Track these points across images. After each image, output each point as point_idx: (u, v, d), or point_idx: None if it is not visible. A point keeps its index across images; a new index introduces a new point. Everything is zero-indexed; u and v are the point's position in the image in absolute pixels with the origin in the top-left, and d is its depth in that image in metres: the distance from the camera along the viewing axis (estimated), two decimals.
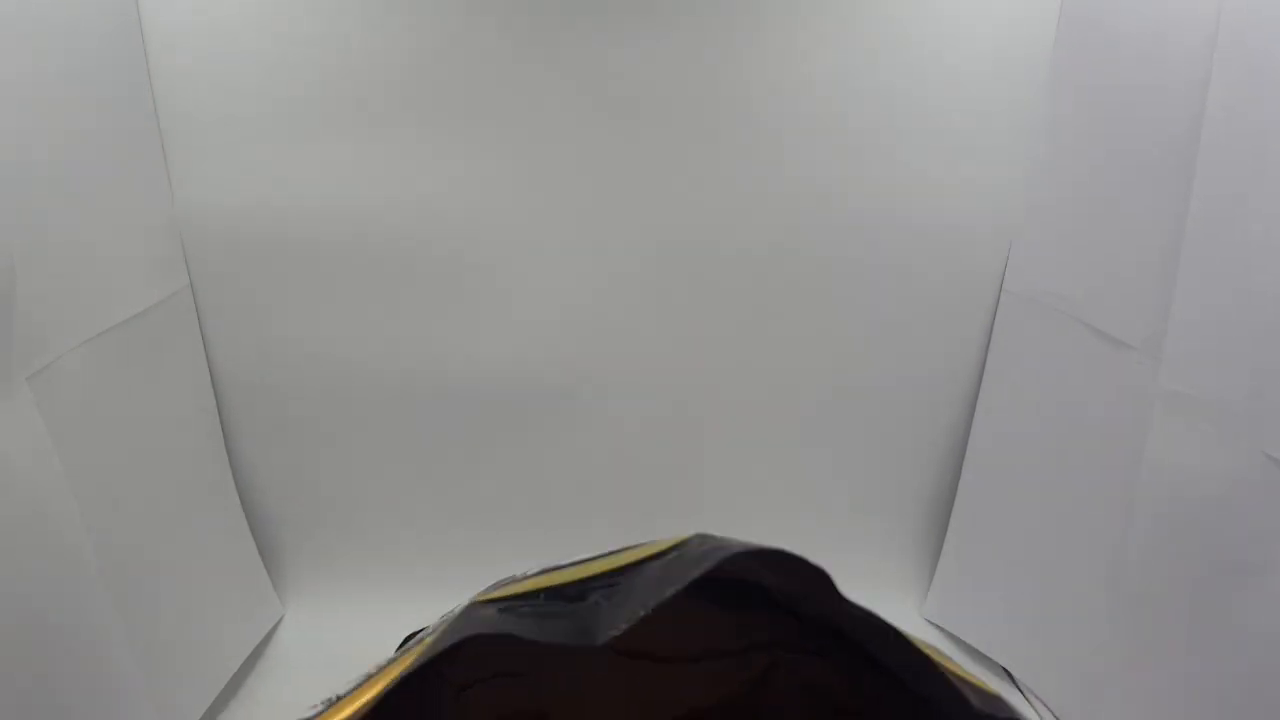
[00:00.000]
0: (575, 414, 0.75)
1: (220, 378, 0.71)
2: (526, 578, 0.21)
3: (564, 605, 0.19)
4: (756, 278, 0.72)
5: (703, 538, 0.20)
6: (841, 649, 0.21)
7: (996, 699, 0.20)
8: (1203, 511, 0.51)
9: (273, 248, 0.68)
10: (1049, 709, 0.64)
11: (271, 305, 0.70)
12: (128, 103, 0.61)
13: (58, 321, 0.51)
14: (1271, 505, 0.47)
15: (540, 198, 0.69)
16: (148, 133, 0.63)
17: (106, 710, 0.49)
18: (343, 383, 0.72)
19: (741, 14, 0.65)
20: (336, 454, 0.74)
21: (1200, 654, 0.50)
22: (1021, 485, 0.68)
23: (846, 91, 0.67)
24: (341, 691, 0.20)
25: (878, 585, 0.76)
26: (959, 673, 0.20)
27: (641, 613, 0.17)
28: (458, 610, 0.20)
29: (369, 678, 0.20)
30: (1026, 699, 0.67)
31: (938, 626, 0.75)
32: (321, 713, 0.20)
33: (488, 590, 0.21)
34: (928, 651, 0.20)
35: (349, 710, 0.19)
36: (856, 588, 0.21)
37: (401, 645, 0.24)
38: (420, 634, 0.24)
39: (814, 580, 0.19)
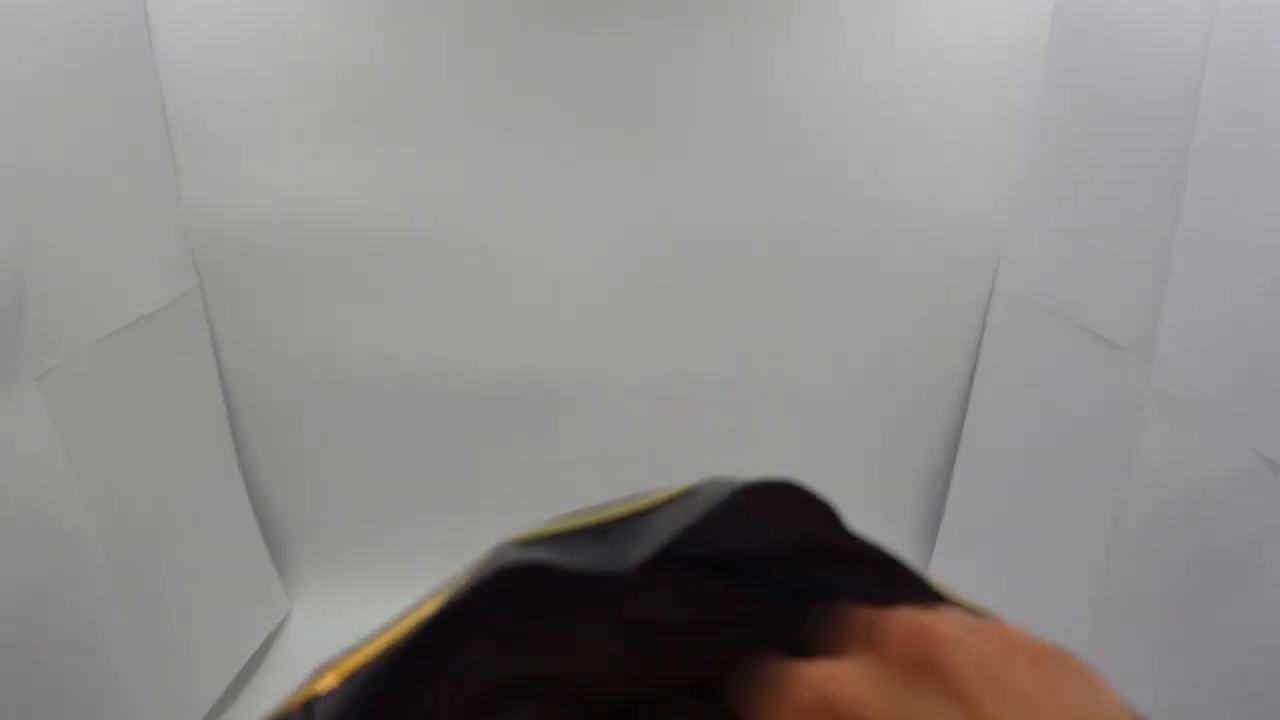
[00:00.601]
0: (578, 413, 0.75)
1: (228, 378, 0.71)
2: (545, 526, 0.22)
3: (589, 540, 0.20)
4: (753, 280, 0.72)
5: (715, 479, 0.21)
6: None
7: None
8: (1194, 511, 0.51)
9: (281, 250, 0.69)
10: None
11: (280, 307, 0.70)
12: (136, 104, 0.62)
13: (66, 322, 0.52)
14: (1263, 505, 0.47)
15: (544, 200, 0.70)
16: (156, 134, 0.64)
17: (113, 707, 0.50)
18: (350, 383, 0.73)
19: (737, 22, 0.66)
20: (343, 453, 0.75)
21: (1191, 654, 0.50)
22: (1013, 486, 0.68)
23: (840, 94, 0.68)
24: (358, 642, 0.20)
25: None
26: (970, 605, 0.21)
27: (665, 539, 0.18)
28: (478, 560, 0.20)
29: (393, 623, 0.20)
30: None
31: None
32: (345, 655, 0.20)
33: (505, 540, 0.21)
34: (937, 586, 0.21)
35: (372, 648, 0.19)
36: None
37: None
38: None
39: (821, 512, 0.20)
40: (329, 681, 0.19)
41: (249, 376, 0.72)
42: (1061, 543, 0.63)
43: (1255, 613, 0.48)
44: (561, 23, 0.65)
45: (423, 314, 0.72)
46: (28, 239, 0.48)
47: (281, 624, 0.74)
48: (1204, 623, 0.50)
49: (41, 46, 0.51)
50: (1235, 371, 0.49)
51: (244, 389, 0.72)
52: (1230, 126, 0.50)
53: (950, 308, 0.72)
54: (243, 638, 0.69)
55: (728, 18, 0.66)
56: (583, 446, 0.76)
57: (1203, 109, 0.51)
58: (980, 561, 0.72)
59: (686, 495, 0.21)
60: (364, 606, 0.74)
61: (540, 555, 0.19)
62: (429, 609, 0.19)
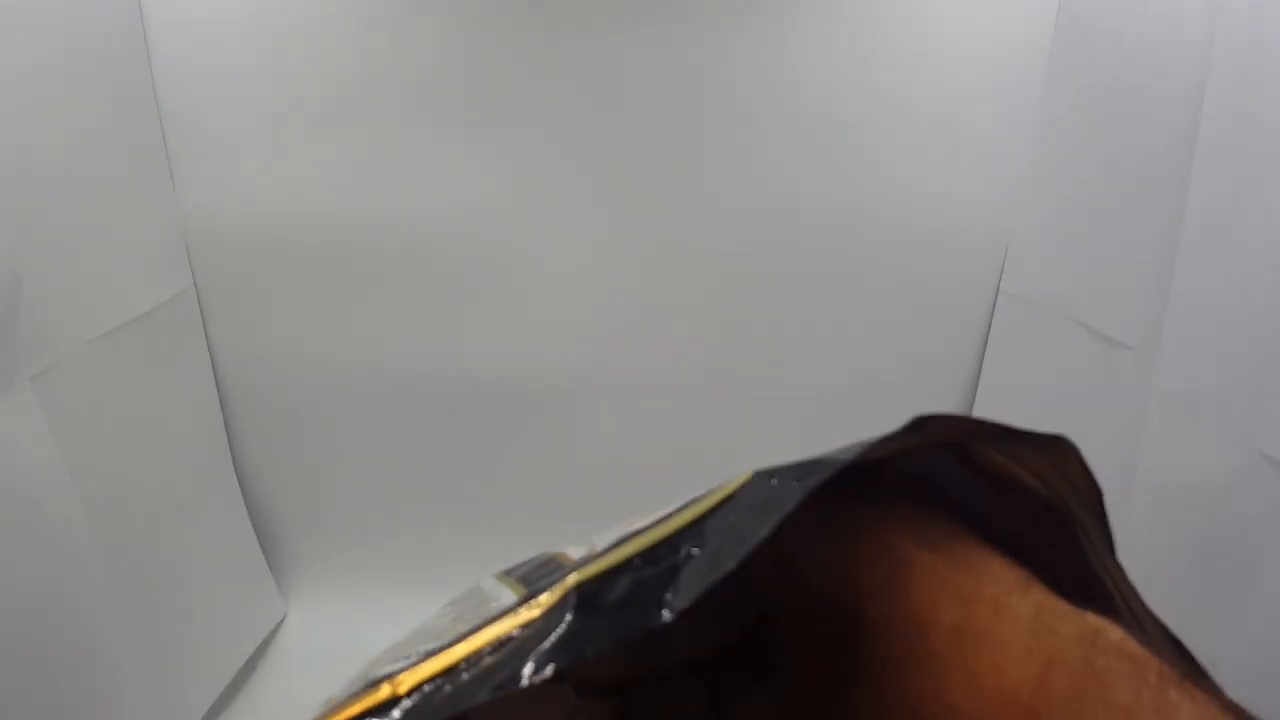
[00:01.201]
0: (577, 414, 0.75)
1: (224, 378, 0.71)
2: (606, 551, 0.21)
3: (660, 566, 0.20)
4: (754, 279, 0.72)
5: (760, 476, 0.21)
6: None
7: None
8: (1198, 510, 0.51)
9: (277, 249, 0.69)
10: None
11: (276, 306, 0.70)
12: (131, 103, 0.61)
13: (61, 322, 0.51)
14: (1267, 504, 0.47)
15: (541, 200, 0.69)
16: (151, 134, 0.64)
17: (109, 709, 0.49)
18: (346, 384, 0.72)
19: (741, 17, 0.65)
20: (340, 454, 0.75)
21: (1194, 652, 0.50)
22: None
23: (844, 94, 0.67)
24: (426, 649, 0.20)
25: None
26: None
27: (747, 550, 0.18)
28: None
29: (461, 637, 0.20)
30: None
31: None
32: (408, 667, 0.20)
33: (576, 568, 0.21)
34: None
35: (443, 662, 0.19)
36: None
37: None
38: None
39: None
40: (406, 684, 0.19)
41: (244, 376, 0.71)
42: None
43: (1259, 612, 0.47)
44: (562, 22, 0.65)
45: (420, 314, 0.71)
46: (23, 239, 0.48)
47: (278, 626, 0.74)
48: (1206, 621, 0.50)
49: (36, 45, 0.51)
50: (1240, 370, 0.49)
51: (239, 388, 0.72)
52: (1234, 126, 0.50)
53: (956, 308, 0.72)
54: (239, 640, 0.68)
55: (729, 16, 0.65)
56: (582, 449, 0.76)
57: (1206, 109, 0.51)
58: None
59: (743, 490, 0.21)
60: (361, 608, 0.74)
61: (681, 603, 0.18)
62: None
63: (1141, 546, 0.55)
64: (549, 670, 0.17)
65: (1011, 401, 0.70)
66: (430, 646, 0.20)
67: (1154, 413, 0.54)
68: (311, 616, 0.75)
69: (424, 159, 0.68)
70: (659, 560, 0.20)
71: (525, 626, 0.19)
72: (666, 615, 0.18)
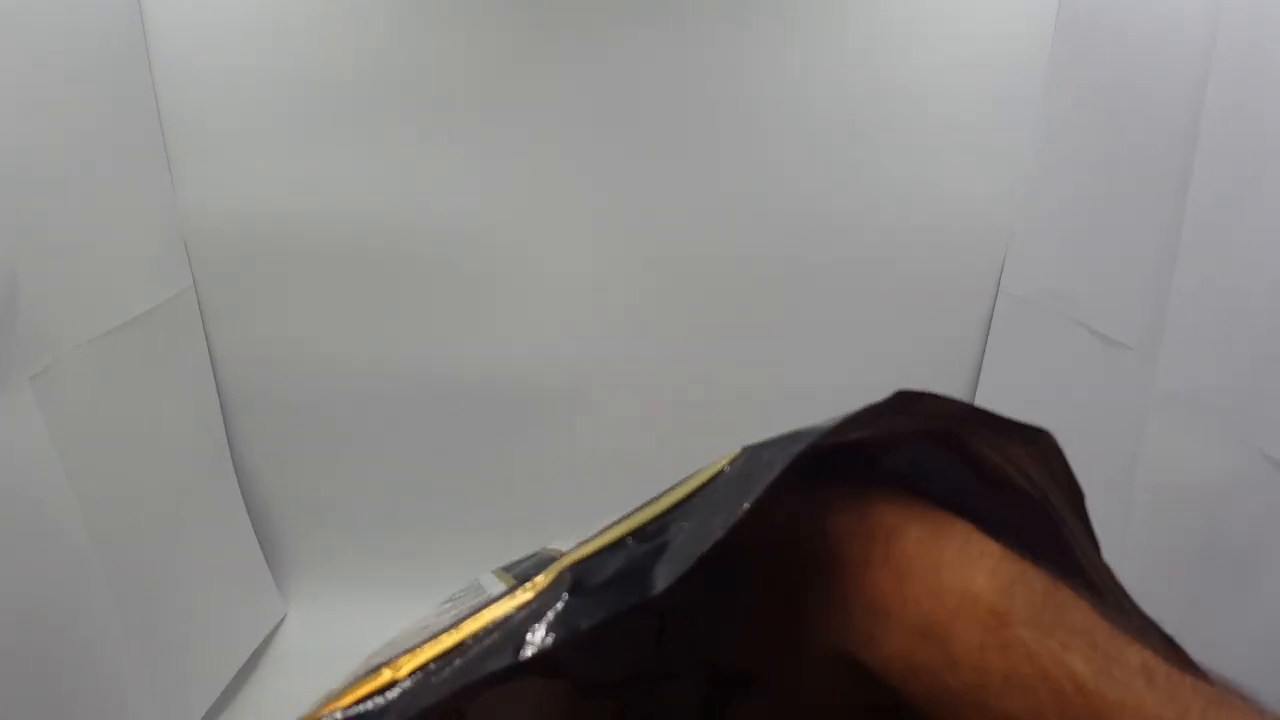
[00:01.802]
0: (576, 415, 0.75)
1: (223, 378, 0.71)
2: (598, 534, 0.21)
3: (652, 543, 0.20)
4: (755, 279, 0.72)
5: (752, 451, 0.21)
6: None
7: None
8: (1198, 510, 0.51)
9: (276, 249, 0.69)
10: None
11: (275, 306, 0.70)
12: (131, 103, 0.61)
13: (60, 322, 0.51)
14: (1267, 504, 0.47)
15: (540, 200, 0.69)
16: (151, 134, 0.64)
17: (109, 710, 0.49)
18: (346, 384, 0.72)
19: (741, 18, 0.65)
20: (339, 454, 0.75)
21: (1194, 651, 0.50)
22: None
23: (844, 94, 0.67)
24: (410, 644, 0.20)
25: None
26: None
27: (733, 519, 0.18)
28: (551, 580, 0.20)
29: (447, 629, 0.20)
30: None
31: None
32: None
33: (570, 553, 0.21)
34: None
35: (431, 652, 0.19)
36: None
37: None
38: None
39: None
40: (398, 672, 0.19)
41: (244, 376, 0.71)
42: None
43: (1259, 611, 0.47)
44: (562, 23, 0.65)
45: (420, 314, 0.71)
46: (22, 239, 0.48)
47: (278, 626, 0.74)
48: (1206, 621, 0.50)
49: (36, 45, 0.51)
50: (1240, 370, 0.49)
51: (239, 388, 0.72)
52: (1235, 126, 0.50)
53: (956, 308, 0.72)
54: (239, 640, 0.68)
55: (729, 17, 0.65)
56: (581, 449, 0.76)
57: (1207, 108, 0.51)
58: None
59: (732, 467, 0.21)
60: (360, 608, 0.74)
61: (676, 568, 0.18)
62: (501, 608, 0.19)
63: (1141, 546, 0.55)
64: (549, 641, 0.17)
65: (1011, 400, 0.70)
66: (429, 634, 0.20)
67: (1154, 413, 0.54)
68: (311, 616, 0.75)
69: (424, 159, 0.68)
70: (650, 537, 0.20)
71: (522, 607, 0.19)
72: (659, 586, 0.18)
